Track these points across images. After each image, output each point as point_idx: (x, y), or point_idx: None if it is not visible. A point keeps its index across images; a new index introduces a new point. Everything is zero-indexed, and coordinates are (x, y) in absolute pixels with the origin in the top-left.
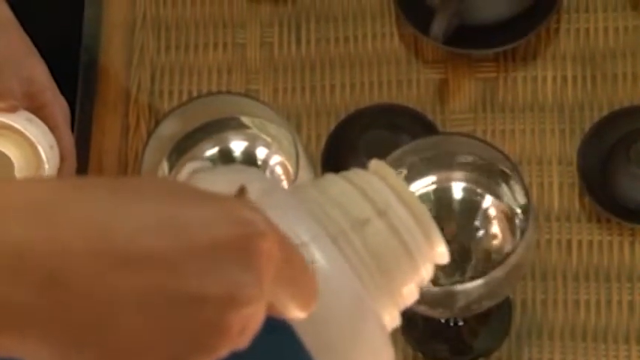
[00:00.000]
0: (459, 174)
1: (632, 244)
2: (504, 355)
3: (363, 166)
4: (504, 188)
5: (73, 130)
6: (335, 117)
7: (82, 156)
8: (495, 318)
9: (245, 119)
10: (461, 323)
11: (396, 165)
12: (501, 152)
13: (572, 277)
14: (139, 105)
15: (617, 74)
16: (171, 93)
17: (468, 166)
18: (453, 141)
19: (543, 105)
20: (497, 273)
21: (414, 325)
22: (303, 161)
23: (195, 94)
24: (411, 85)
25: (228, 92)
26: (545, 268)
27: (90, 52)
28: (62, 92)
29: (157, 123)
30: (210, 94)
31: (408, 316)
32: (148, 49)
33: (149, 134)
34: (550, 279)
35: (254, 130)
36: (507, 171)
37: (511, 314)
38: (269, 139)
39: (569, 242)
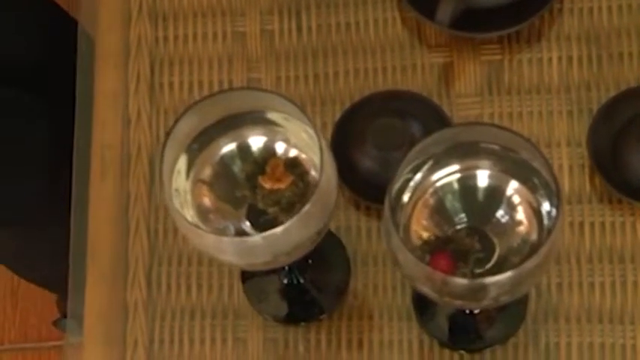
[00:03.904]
0: (482, 163)
1: None
2: (521, 341)
3: (372, 153)
4: (529, 176)
5: (73, 125)
6: (340, 105)
7: (84, 150)
8: (511, 304)
9: (264, 113)
10: (477, 310)
11: (419, 156)
12: (526, 139)
13: (586, 260)
14: (139, 97)
15: (622, 53)
16: (171, 84)
17: (491, 155)
18: (476, 130)
19: (549, 86)
20: (531, 263)
21: (431, 313)
22: (326, 156)
23: (195, 84)
24: (415, 70)
25: (248, 87)
26: (559, 252)
27: (87, 45)
28: (60, 86)
29: (175, 121)
30: (228, 89)
31: (424, 304)
32: (146, 40)
33: (168, 131)
34: (564, 262)
35: (273, 125)
36: (532, 158)
37: (527, 299)
38: (288, 134)
39: (581, 224)
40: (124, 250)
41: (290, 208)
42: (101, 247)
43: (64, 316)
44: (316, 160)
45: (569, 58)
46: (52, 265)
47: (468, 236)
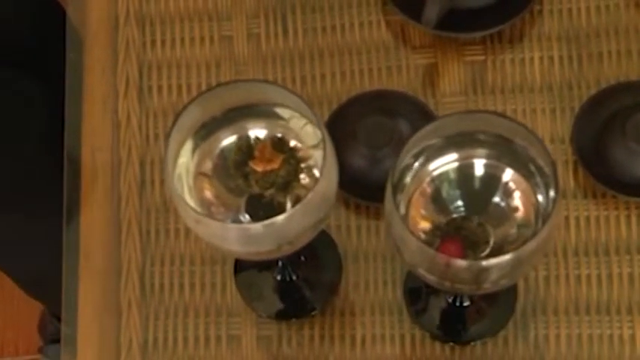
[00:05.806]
0: (480, 151)
1: (628, 217)
2: (511, 334)
3: (360, 151)
4: (526, 163)
5: (63, 129)
6: (327, 106)
7: (75, 155)
8: (500, 297)
9: (266, 106)
10: (467, 304)
11: (417, 145)
12: (525, 127)
13: (573, 253)
14: (128, 101)
15: (601, 52)
16: (160, 88)
17: (489, 143)
18: (475, 119)
19: (532, 86)
20: (531, 245)
21: (422, 307)
22: (329, 148)
23: (184, 88)
24: (400, 71)
25: (250, 79)
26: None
27: (76, 50)
28: (50, 92)
29: (178, 113)
30: (230, 82)
31: (415, 297)
32: (134, 44)
33: (172, 123)
34: (551, 255)
35: (275, 117)
36: (531, 145)
37: (516, 293)
38: (287, 124)
39: (567, 219)
40: (117, 251)
41: (286, 186)
42: (94, 248)
43: (46, 342)
44: (315, 152)
45: (550, 58)
46: (49, 261)
47: (480, 226)
